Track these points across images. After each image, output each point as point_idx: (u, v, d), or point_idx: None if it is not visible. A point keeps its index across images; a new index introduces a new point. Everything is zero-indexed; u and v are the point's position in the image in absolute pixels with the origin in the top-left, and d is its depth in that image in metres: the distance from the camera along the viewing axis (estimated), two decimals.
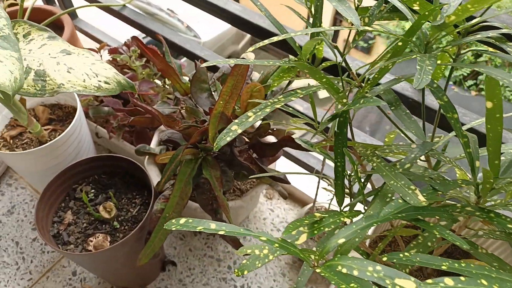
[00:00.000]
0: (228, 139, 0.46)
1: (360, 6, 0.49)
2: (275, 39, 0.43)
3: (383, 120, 3.86)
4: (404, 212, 0.39)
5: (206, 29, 5.17)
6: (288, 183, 0.71)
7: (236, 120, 0.47)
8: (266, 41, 0.44)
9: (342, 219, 0.42)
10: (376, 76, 0.43)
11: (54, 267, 0.92)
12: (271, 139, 0.81)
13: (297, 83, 2.20)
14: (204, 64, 0.46)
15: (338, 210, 0.48)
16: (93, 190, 0.76)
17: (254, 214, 1.02)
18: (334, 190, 0.48)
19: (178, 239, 0.97)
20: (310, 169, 0.95)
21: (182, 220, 0.39)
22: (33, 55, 0.61)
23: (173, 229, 0.39)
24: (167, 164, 0.67)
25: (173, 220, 0.40)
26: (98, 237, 0.70)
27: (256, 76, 0.82)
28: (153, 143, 0.89)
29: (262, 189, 0.82)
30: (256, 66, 0.59)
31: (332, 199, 0.85)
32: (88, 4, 0.99)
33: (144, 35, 1.12)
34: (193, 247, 0.96)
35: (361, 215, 0.41)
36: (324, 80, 0.44)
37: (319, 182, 0.76)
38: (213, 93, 0.75)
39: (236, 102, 0.63)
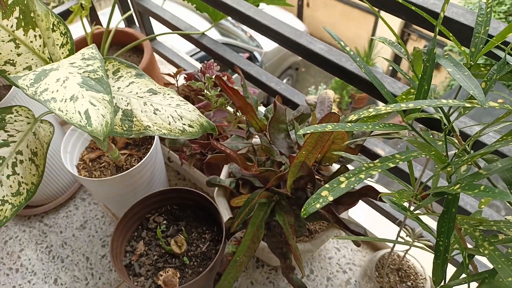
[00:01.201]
0: (318, 206, 0.43)
1: (473, 64, 0.45)
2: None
3: None
4: None
5: (268, 40, 5.22)
6: (366, 235, 0.67)
7: (327, 186, 0.44)
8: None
9: None
10: (494, 144, 0.38)
11: (120, 286, 0.95)
12: None
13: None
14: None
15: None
16: (165, 221, 0.77)
17: (319, 252, 0.98)
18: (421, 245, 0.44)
19: None
20: (389, 216, 0.89)
21: None
22: (122, 93, 0.63)
23: None
24: (242, 207, 0.66)
25: None
26: (168, 272, 0.70)
27: None
28: (223, 175, 0.88)
29: (334, 233, 0.78)
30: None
31: (409, 250, 0.79)
32: (170, 31, 1.01)
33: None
34: (255, 280, 0.94)
35: None
36: (433, 152, 0.39)
37: (399, 233, 0.71)
38: (290, 132, 0.73)
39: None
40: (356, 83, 0.67)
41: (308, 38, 0.71)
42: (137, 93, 0.64)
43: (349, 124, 0.44)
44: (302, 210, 0.43)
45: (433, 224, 0.95)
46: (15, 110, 0.65)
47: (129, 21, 1.27)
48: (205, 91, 0.98)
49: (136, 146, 0.95)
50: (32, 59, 0.63)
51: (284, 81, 5.71)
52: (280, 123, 0.71)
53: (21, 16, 0.59)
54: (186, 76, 1.07)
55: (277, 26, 0.74)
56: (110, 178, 0.79)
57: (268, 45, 4.97)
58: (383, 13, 0.63)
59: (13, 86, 0.87)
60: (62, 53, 0.65)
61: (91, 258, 1.00)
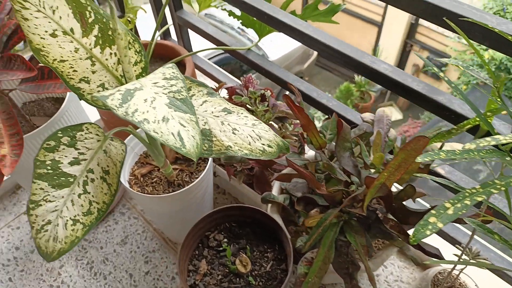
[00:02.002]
0: (428, 233, 0.43)
1: None
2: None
3: None
4: None
5: (274, 48, 5.23)
6: (442, 258, 0.66)
7: (433, 211, 0.44)
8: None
9: None
10: None
11: None
12: (410, 203, 0.77)
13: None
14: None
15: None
16: (225, 240, 0.76)
17: None
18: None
19: None
20: (447, 237, 0.89)
21: None
22: (198, 112, 0.62)
23: None
24: (314, 227, 0.65)
25: None
26: None
27: (393, 133, 0.79)
28: (275, 191, 0.88)
29: (393, 252, 0.78)
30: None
31: (464, 268, 0.79)
32: (215, 47, 1.01)
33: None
34: None
35: None
36: None
37: (461, 256, 0.71)
38: (353, 149, 0.73)
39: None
40: (422, 103, 0.67)
41: (370, 57, 0.72)
42: (212, 112, 0.63)
43: (458, 150, 0.44)
44: (411, 236, 0.43)
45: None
46: (86, 127, 0.65)
47: (164, 34, 1.27)
48: (250, 105, 0.98)
49: (185, 160, 0.94)
50: (106, 77, 0.62)
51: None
52: (346, 141, 0.71)
53: (99, 34, 0.59)
54: (228, 90, 1.07)
55: (338, 45, 0.75)
56: (170, 195, 0.78)
57: (273, 54, 4.99)
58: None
59: (65, 100, 0.86)
60: (135, 70, 0.65)
61: (134, 275, 0.98)
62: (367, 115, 0.81)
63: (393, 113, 6.20)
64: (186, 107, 0.54)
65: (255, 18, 0.95)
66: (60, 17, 0.55)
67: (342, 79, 6.50)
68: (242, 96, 1.04)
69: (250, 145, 0.59)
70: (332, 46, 0.74)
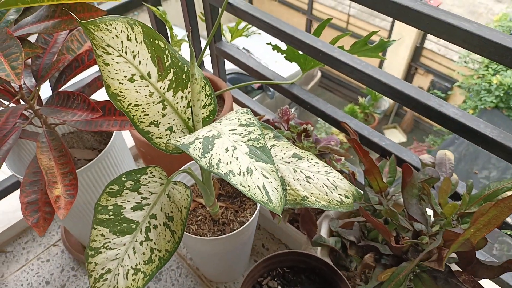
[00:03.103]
0: None
1: None
2: None
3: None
4: None
5: (279, 69, 5.28)
6: None
7: None
8: None
9: None
10: None
11: None
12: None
13: None
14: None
15: None
16: (279, 287, 0.73)
17: None
18: None
19: None
20: None
21: None
22: None
23: None
24: (386, 281, 0.62)
25: None
26: None
27: (455, 177, 0.77)
28: (324, 232, 0.85)
29: None
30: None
31: None
32: (257, 81, 1.00)
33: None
34: None
35: None
36: None
37: None
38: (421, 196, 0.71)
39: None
40: (497, 151, 0.65)
41: (437, 100, 0.70)
42: (282, 158, 0.61)
43: None
44: None
45: None
46: (149, 171, 0.63)
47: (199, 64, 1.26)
48: (292, 140, 0.96)
49: (229, 197, 0.91)
50: (174, 120, 0.61)
51: (293, 109, 5.71)
52: (414, 188, 0.69)
53: (173, 78, 0.57)
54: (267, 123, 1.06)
55: (402, 86, 0.73)
56: (220, 238, 0.75)
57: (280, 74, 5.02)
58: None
59: (113, 135, 0.84)
60: (203, 113, 0.63)
61: None
62: (427, 158, 0.79)
63: (397, 135, 6.22)
64: (266, 156, 0.52)
65: (305, 54, 0.94)
66: (140, 62, 0.53)
67: (345, 100, 6.52)
68: (281, 129, 1.03)
69: (327, 195, 0.57)
70: (396, 87, 0.72)
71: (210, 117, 0.64)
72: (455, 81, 5.26)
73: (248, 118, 0.55)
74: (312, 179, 0.58)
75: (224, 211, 0.88)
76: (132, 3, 0.97)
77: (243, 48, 5.07)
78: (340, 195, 0.57)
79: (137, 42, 0.52)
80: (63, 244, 1.08)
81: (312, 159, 0.62)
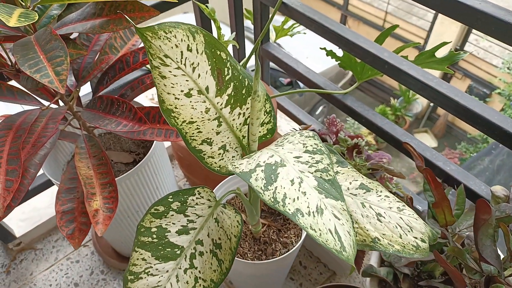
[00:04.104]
0: None
1: None
2: None
3: None
4: None
5: (310, 66, 5.16)
6: None
7: None
8: None
9: None
10: None
11: None
12: None
13: None
14: None
15: None
16: None
17: None
18: None
19: None
20: None
21: None
22: None
23: None
24: None
25: None
26: None
27: None
28: (374, 261, 0.78)
29: None
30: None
31: None
32: (308, 89, 0.93)
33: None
34: None
35: None
36: None
37: None
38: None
39: None
40: None
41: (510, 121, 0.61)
42: (348, 188, 0.54)
43: None
44: None
45: None
46: (197, 191, 0.57)
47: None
48: (342, 155, 0.88)
49: (271, 214, 0.85)
50: (228, 138, 0.54)
51: (320, 108, 5.61)
52: (489, 227, 0.61)
53: (232, 93, 0.51)
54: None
55: (481, 109, 0.65)
56: (266, 263, 0.69)
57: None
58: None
59: (154, 144, 0.78)
60: (260, 131, 0.56)
61: None
62: (499, 190, 0.70)
63: (428, 140, 6.00)
64: (336, 192, 0.45)
65: (363, 62, 0.86)
66: (199, 75, 0.47)
67: (376, 101, 6.34)
68: (328, 142, 0.95)
69: (401, 238, 0.49)
70: (476, 111, 0.64)
71: (268, 136, 0.57)
72: (495, 87, 5.01)
73: (315, 144, 0.48)
74: (384, 217, 0.51)
75: (266, 229, 0.82)
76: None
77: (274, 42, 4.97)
78: (416, 238, 0.50)
79: (197, 52, 0.45)
80: (93, 246, 1.04)
81: (381, 192, 0.54)
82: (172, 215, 0.55)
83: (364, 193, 0.53)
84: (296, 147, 0.49)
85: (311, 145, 0.48)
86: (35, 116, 0.59)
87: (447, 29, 5.56)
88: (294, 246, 0.77)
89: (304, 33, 1.17)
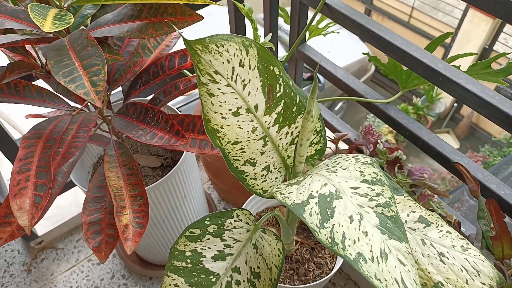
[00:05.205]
0: None
1: None
2: None
3: None
4: None
5: (333, 61, 5.05)
6: None
7: None
8: None
9: None
10: None
11: None
12: None
13: None
14: None
15: None
16: None
17: None
18: None
19: None
20: None
21: None
22: None
23: None
24: None
25: None
26: None
27: None
28: None
29: None
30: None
31: None
32: (348, 97, 0.87)
33: None
34: None
35: None
36: None
37: None
38: None
39: None
40: None
41: None
42: (405, 221, 0.49)
43: None
44: None
45: None
46: (236, 214, 0.52)
47: None
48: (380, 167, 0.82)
49: (303, 230, 0.80)
50: (272, 158, 0.49)
51: (340, 104, 5.52)
52: None
53: (282, 111, 0.46)
54: (348, 145, 0.93)
55: None
56: (309, 286, 0.64)
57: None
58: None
59: (182, 158, 0.74)
60: (307, 152, 0.51)
61: None
62: None
63: (449, 141, 5.84)
64: (399, 231, 0.40)
65: (409, 70, 0.79)
66: (249, 93, 0.42)
67: (397, 99, 6.20)
68: (365, 152, 0.89)
69: (467, 284, 0.44)
70: None
71: (315, 157, 0.52)
72: None
73: (374, 173, 0.43)
74: (447, 257, 0.45)
75: (299, 247, 0.77)
76: None
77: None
78: (484, 284, 0.44)
79: (250, 68, 0.40)
80: (115, 249, 1.01)
81: (442, 226, 0.48)
82: (209, 238, 0.51)
83: (423, 227, 0.48)
84: (352, 175, 0.44)
85: (370, 174, 0.43)
86: (65, 124, 0.56)
87: (476, 27, 5.36)
88: (328, 267, 0.72)
89: (338, 33, 1.11)
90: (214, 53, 0.38)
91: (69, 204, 1.07)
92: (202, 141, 0.63)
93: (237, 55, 0.39)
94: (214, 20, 2.00)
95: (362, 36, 0.77)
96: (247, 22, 0.99)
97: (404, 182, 0.80)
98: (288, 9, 1.03)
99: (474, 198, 0.64)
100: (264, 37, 0.92)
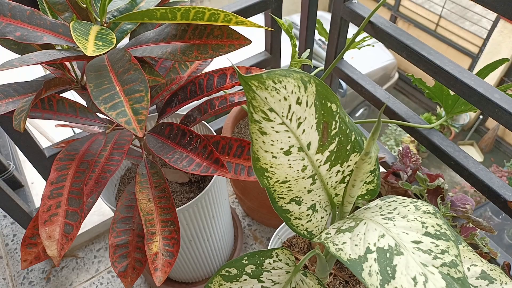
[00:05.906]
0: None
1: None
2: None
3: None
4: None
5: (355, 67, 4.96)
6: None
7: None
8: None
9: None
10: None
11: None
12: None
13: None
14: None
15: None
16: None
17: None
18: None
19: None
20: None
21: None
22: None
23: None
24: None
25: None
26: None
27: None
28: None
29: None
30: None
31: None
32: (388, 120, 0.82)
33: None
34: None
35: None
36: None
37: None
38: None
39: None
40: None
41: None
42: (466, 277, 0.44)
43: None
44: None
45: None
46: (275, 253, 0.49)
47: None
48: (420, 197, 0.78)
49: (336, 261, 0.76)
50: (319, 196, 0.45)
51: (361, 110, 5.43)
52: None
53: (335, 149, 0.42)
54: (385, 168, 0.88)
55: None
56: None
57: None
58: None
59: (213, 179, 0.70)
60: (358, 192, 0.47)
61: None
62: None
63: (473, 153, 5.68)
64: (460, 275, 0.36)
65: (457, 95, 0.74)
66: (303, 131, 0.38)
67: (420, 107, 6.06)
68: (402, 177, 0.85)
69: None
70: None
71: (366, 197, 0.48)
72: None
73: (437, 225, 0.39)
74: None
75: (332, 280, 0.73)
76: (253, 8, 0.82)
77: (319, 40, 4.80)
78: None
79: (307, 106, 0.37)
80: None
81: (506, 284, 0.44)
82: (245, 279, 0.47)
83: (486, 285, 0.43)
84: (413, 226, 0.39)
85: (433, 226, 0.39)
86: (99, 146, 0.53)
87: (506, 38, 5.20)
88: None
89: (373, 46, 1.06)
90: (271, 90, 0.34)
91: (91, 212, 1.05)
92: (238, 165, 0.60)
93: (295, 92, 0.35)
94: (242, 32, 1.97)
95: (409, 58, 0.72)
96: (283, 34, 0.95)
97: (447, 215, 0.75)
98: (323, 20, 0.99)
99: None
100: (301, 54, 0.88)
